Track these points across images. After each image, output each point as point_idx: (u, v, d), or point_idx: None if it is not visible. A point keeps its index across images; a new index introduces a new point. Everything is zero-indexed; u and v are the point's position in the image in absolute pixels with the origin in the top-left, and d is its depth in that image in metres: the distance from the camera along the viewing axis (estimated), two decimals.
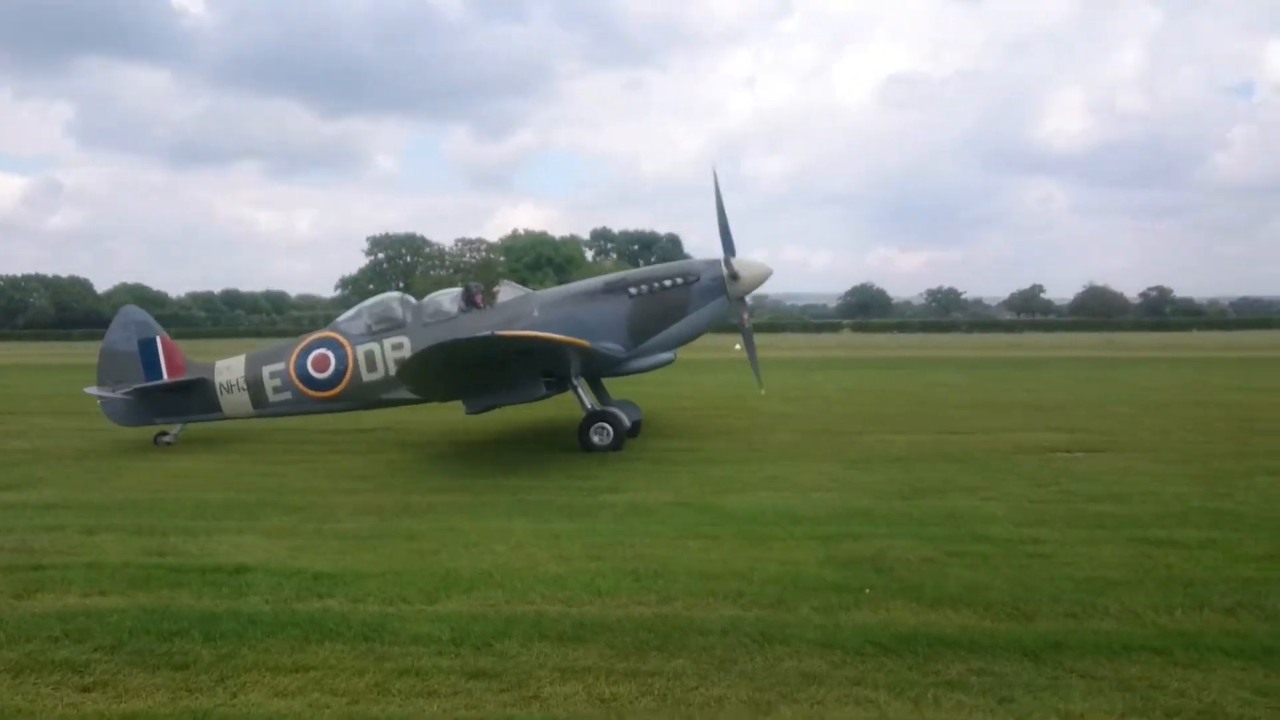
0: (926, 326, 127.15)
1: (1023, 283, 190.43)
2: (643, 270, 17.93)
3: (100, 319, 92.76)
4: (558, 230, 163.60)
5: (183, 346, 19.07)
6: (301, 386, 17.50)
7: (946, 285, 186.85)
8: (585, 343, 15.28)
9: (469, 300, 17.49)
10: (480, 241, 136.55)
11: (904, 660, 6.48)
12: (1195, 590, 7.82)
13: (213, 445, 17.87)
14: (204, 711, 5.84)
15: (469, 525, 10.55)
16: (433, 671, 6.38)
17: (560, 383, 16.45)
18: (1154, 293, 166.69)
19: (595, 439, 16.11)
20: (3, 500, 12.53)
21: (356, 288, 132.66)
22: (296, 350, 17.74)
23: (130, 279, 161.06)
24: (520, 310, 17.23)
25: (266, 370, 17.70)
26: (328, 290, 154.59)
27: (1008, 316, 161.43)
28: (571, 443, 16.81)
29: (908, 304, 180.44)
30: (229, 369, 17.98)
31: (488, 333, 14.68)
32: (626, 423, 16.62)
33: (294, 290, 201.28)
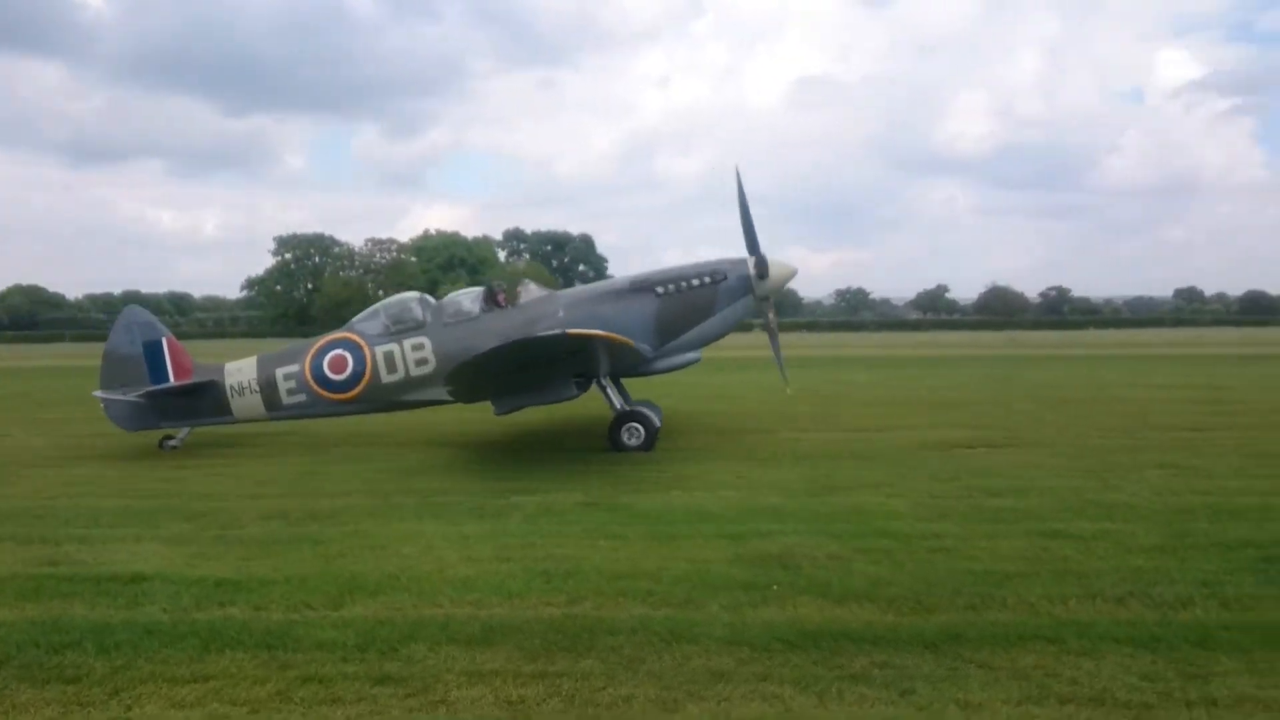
0: (836, 326, 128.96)
1: (929, 282, 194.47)
2: (669, 269, 17.60)
3: None
4: (470, 230, 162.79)
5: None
6: (317, 388, 17.08)
7: (855, 285, 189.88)
8: (630, 342, 15.14)
9: (491, 300, 17.29)
10: (391, 242, 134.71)
11: (809, 655, 6.58)
12: (1088, 581, 8.07)
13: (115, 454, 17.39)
14: None
15: (376, 529, 10.43)
16: (337, 678, 6.30)
17: (586, 382, 16.34)
18: (1053, 292, 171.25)
19: (627, 439, 15.99)
20: None
21: (263, 289, 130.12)
22: (311, 351, 17.33)
23: (25, 280, 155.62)
24: (545, 310, 17.01)
25: (280, 372, 17.22)
26: (233, 291, 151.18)
27: (914, 316, 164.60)
28: (482, 444, 16.77)
29: (818, 303, 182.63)
30: (240, 371, 17.49)
31: (559, 331, 14.49)
32: (657, 422, 16.59)
33: (198, 292, 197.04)
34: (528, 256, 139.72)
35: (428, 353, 16.81)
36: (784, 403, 23.16)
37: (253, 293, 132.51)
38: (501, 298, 17.36)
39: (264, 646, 6.85)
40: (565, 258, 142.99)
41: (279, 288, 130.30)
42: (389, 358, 16.92)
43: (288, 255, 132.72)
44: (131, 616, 7.55)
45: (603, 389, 16.56)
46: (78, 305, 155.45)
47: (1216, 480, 12.70)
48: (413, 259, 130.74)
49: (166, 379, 17.31)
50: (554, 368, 15.22)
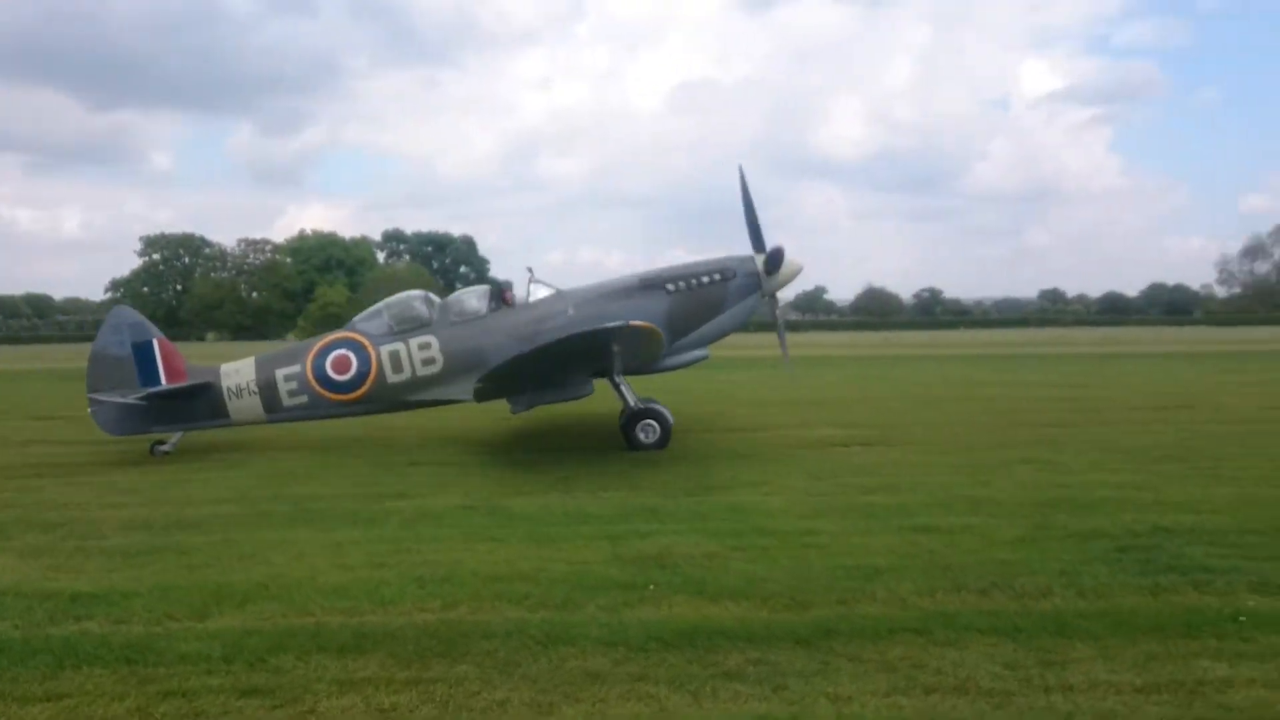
0: None
1: (807, 284, 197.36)
2: (678, 267, 17.43)
3: None
4: (348, 231, 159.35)
5: None
6: (320, 389, 16.63)
7: None
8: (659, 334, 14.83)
9: (500, 298, 17.08)
10: (265, 242, 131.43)
11: (685, 654, 6.62)
12: (954, 573, 8.30)
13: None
14: None
15: (246, 537, 10.14)
16: (201, 691, 6.10)
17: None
18: (926, 293, 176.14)
19: (642, 437, 15.93)
20: None
21: (129, 291, 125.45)
22: (313, 351, 16.88)
23: None
24: (554, 308, 16.84)
25: (280, 373, 16.71)
26: (97, 293, 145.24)
27: (793, 316, 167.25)
28: (359, 449, 16.46)
29: None
30: (237, 372, 16.90)
31: (621, 323, 14.21)
32: (671, 419, 16.41)
33: (59, 293, 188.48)
34: (408, 258, 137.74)
35: (435, 352, 16.62)
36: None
37: (118, 295, 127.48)
38: (509, 296, 17.18)
39: (123, 661, 6.60)
40: (447, 259, 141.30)
41: (146, 289, 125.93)
42: (395, 357, 16.65)
43: (155, 256, 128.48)
44: None
45: (616, 386, 16.49)
46: None
47: (1076, 474, 13.20)
48: (288, 260, 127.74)
49: (158, 381, 16.62)
50: (579, 364, 15.27)
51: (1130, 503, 11.12)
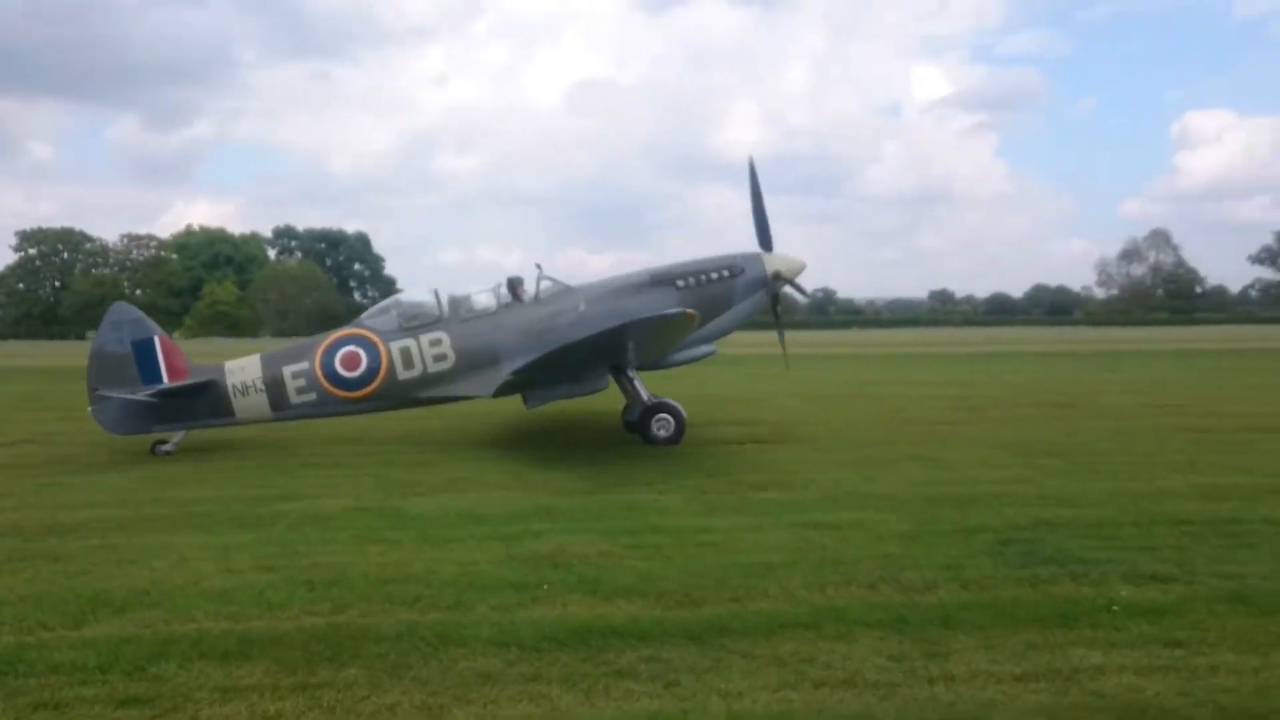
0: None
1: None
2: (687, 263, 17.45)
3: None
4: (237, 227, 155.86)
5: None
6: (329, 386, 16.34)
7: None
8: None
9: (513, 293, 17.03)
10: (150, 238, 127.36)
11: (578, 653, 6.61)
12: (844, 568, 8.45)
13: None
14: None
15: (125, 542, 9.81)
16: (75, 702, 5.88)
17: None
18: (820, 293, 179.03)
19: (657, 431, 16.02)
20: None
21: (3, 287, 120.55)
22: (321, 348, 16.57)
23: None
24: (565, 304, 16.86)
25: (288, 370, 16.38)
26: None
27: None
28: (249, 450, 16.05)
29: None
30: (243, 370, 16.49)
31: (678, 310, 14.41)
32: (684, 413, 16.39)
33: None
34: (300, 255, 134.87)
35: (446, 348, 16.54)
36: (563, 403, 23.15)
37: None
38: (521, 292, 17.09)
39: None
40: (340, 256, 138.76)
41: (21, 286, 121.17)
42: (405, 354, 16.51)
43: (32, 251, 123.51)
44: None
45: (630, 381, 16.60)
46: None
47: (962, 470, 13.56)
48: (174, 256, 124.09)
49: (159, 379, 16.15)
50: (599, 359, 15.42)
51: (1012, 497, 11.45)
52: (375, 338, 16.60)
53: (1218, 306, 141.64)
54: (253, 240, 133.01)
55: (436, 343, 16.59)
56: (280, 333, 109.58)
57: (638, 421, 16.37)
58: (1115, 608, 7.33)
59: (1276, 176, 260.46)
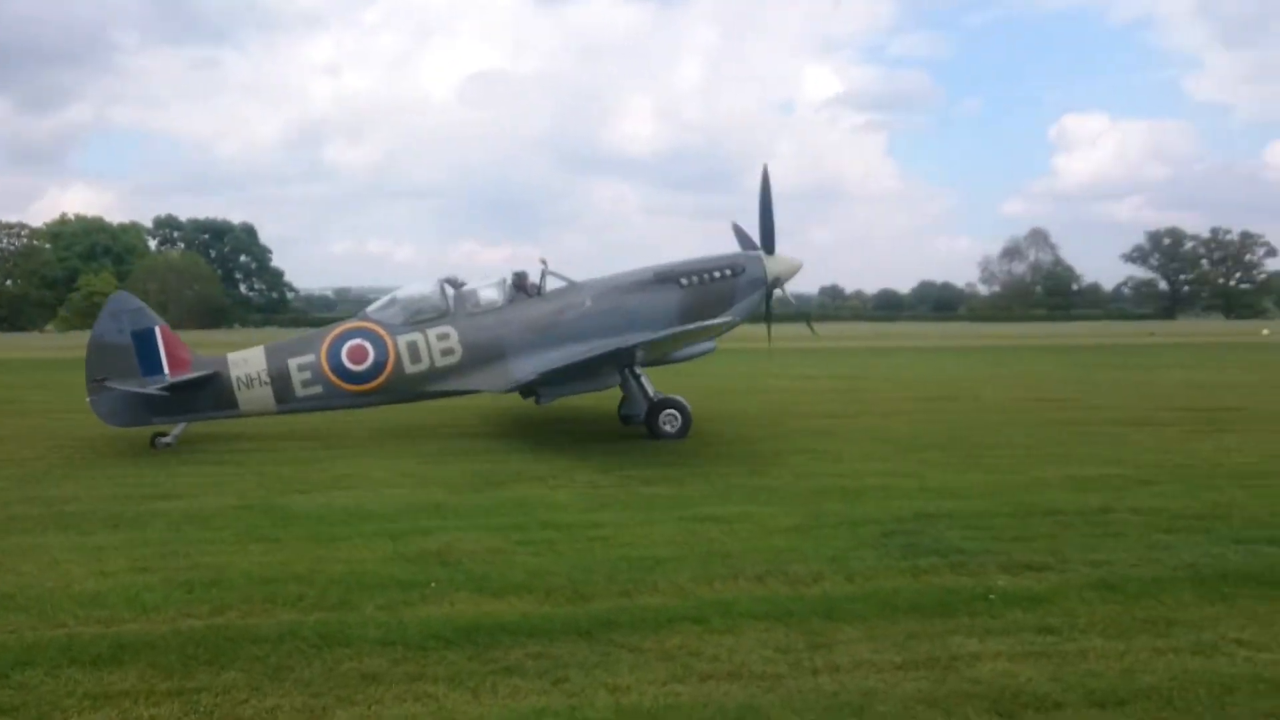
0: None
1: None
2: (691, 261, 17.65)
3: None
4: (116, 216, 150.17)
5: None
6: (335, 379, 16.27)
7: None
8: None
9: (521, 288, 17.16)
10: (22, 226, 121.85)
11: (465, 651, 6.55)
12: (732, 561, 8.55)
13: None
14: None
15: None
16: None
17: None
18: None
19: (666, 427, 16.21)
20: None
21: None
22: (327, 341, 16.52)
23: None
24: (571, 300, 17.05)
25: (293, 363, 16.27)
26: None
27: None
28: (124, 445, 15.53)
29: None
30: (246, 362, 16.31)
31: (729, 319, 15.70)
32: (690, 409, 16.61)
33: None
34: (182, 245, 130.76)
35: (454, 342, 16.59)
36: (457, 400, 22.93)
37: None
38: (530, 285, 17.22)
39: None
40: (225, 248, 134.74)
41: None
42: (413, 347, 16.50)
43: None
44: None
45: (636, 378, 16.66)
46: None
47: (848, 464, 13.83)
48: (47, 246, 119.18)
49: (160, 370, 15.86)
50: (613, 358, 15.61)
51: (896, 490, 11.73)
52: (382, 331, 16.59)
53: (1093, 303, 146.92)
54: (132, 230, 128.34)
55: (444, 337, 16.63)
56: None
57: (645, 418, 16.50)
58: (992, 596, 7.55)
59: (1147, 178, 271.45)
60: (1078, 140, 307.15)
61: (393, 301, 17.25)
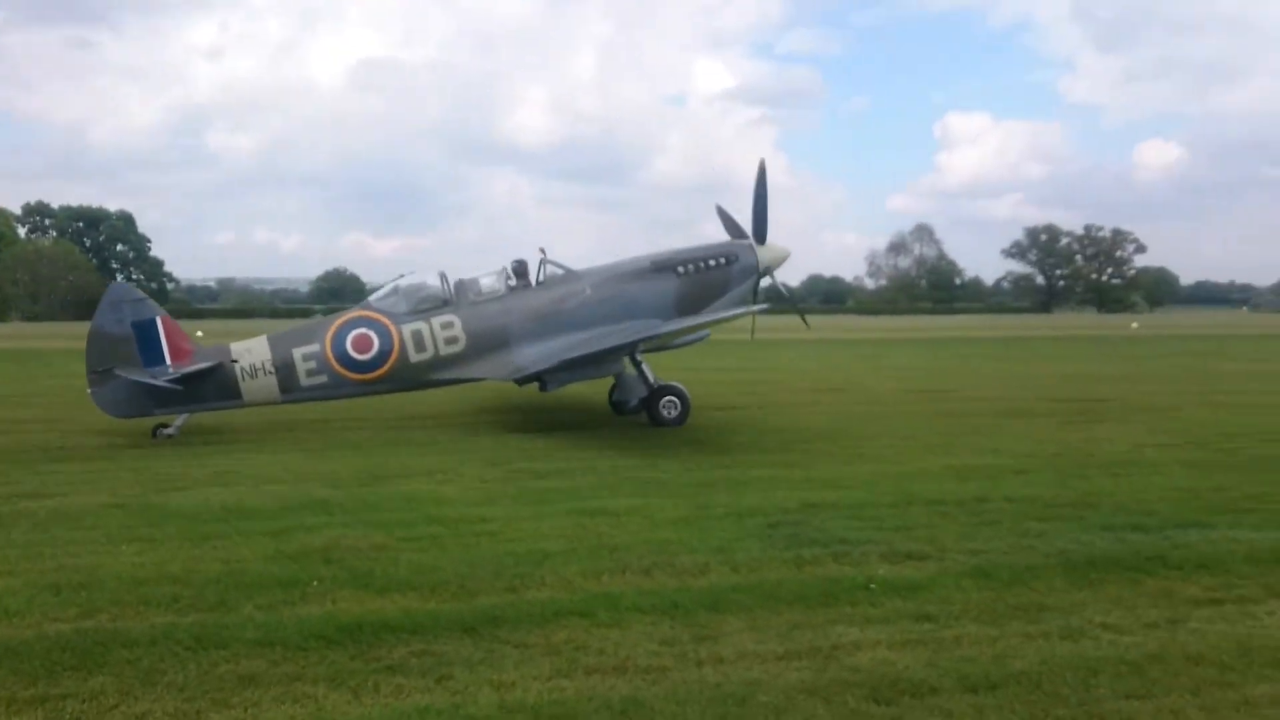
0: None
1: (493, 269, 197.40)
2: (686, 250, 18.07)
3: None
4: None
5: None
6: (340, 369, 16.26)
7: None
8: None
9: (521, 276, 17.39)
10: None
11: (347, 651, 6.43)
12: (620, 554, 8.56)
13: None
14: None
15: None
16: None
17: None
18: None
19: (666, 413, 16.56)
20: None
21: None
22: (331, 330, 16.52)
23: None
24: (572, 288, 17.34)
25: (298, 352, 16.21)
26: None
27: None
28: None
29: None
30: (250, 352, 16.22)
31: (760, 306, 16.70)
32: (689, 395, 17.02)
33: None
34: (54, 234, 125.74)
35: (458, 331, 16.74)
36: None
37: None
38: (529, 271, 17.52)
39: None
40: (100, 236, 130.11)
41: None
42: (417, 336, 16.61)
43: None
44: None
45: (637, 365, 16.96)
46: None
47: (736, 455, 13.97)
48: None
49: (162, 360, 15.71)
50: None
51: (783, 481, 11.89)
52: (386, 320, 16.64)
53: (974, 297, 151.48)
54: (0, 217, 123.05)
55: (448, 325, 16.76)
56: (32, 316, 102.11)
57: (646, 404, 16.87)
58: (873, 585, 7.70)
59: (1025, 177, 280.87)
60: (960, 139, 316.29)
61: (395, 291, 17.32)
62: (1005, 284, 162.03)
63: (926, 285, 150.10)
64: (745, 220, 18.27)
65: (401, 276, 17.82)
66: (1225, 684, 5.89)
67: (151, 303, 16.42)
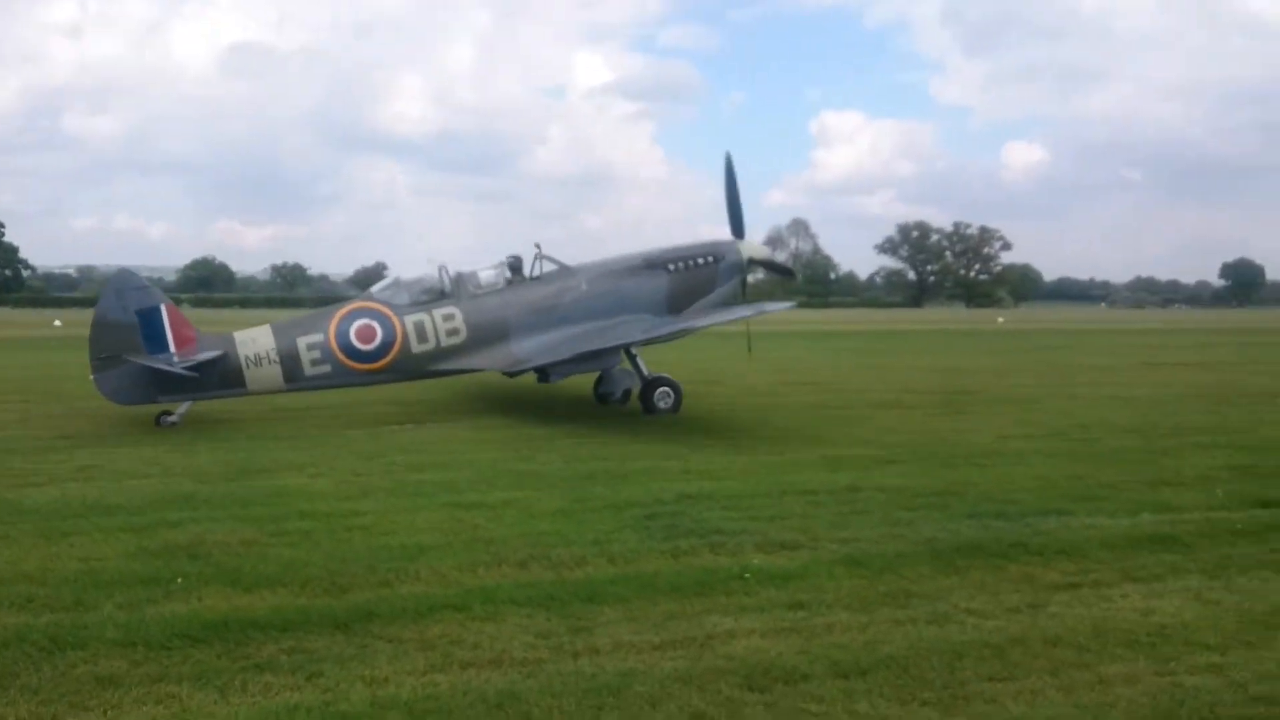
0: (270, 302, 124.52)
1: (367, 260, 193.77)
2: (675, 248, 18.67)
3: None
4: None
5: None
6: (344, 358, 16.37)
7: (293, 261, 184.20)
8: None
9: (516, 271, 17.70)
10: None
11: (213, 649, 6.25)
12: (496, 547, 8.51)
13: None
14: None
15: None
16: None
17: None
18: None
19: (660, 403, 17.10)
20: None
21: None
22: (335, 320, 16.62)
23: None
24: (568, 283, 17.79)
25: (303, 341, 16.26)
26: None
27: (353, 294, 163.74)
28: None
29: (252, 279, 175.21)
30: (254, 340, 16.22)
31: (793, 302, 17.15)
32: (681, 386, 17.57)
33: None
34: None
35: (459, 323, 17.03)
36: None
37: None
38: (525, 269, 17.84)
39: None
40: None
41: None
42: (419, 327, 16.83)
43: None
44: None
45: (632, 358, 17.52)
46: None
47: (615, 446, 14.02)
48: None
49: (166, 348, 15.62)
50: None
51: (660, 472, 11.98)
52: (389, 311, 16.85)
53: (848, 291, 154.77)
54: None
55: (449, 317, 17.04)
56: None
57: (640, 395, 17.32)
58: (747, 575, 7.82)
59: (897, 174, 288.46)
60: (836, 136, 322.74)
61: (396, 283, 17.75)
62: (878, 279, 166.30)
63: (802, 279, 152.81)
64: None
65: (401, 273, 18.46)
66: (1081, 664, 6.16)
67: (156, 290, 16.42)
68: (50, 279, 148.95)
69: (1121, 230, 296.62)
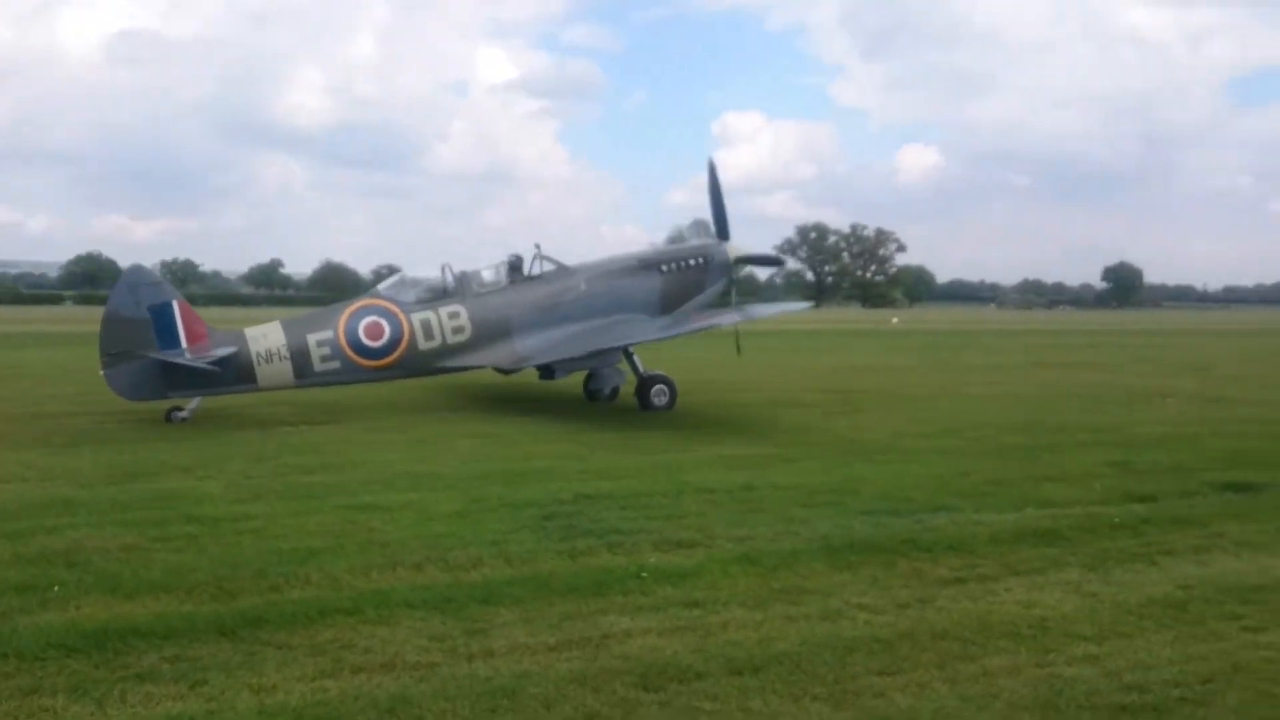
0: None
1: (262, 257, 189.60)
2: (667, 250, 19.73)
3: None
4: None
5: None
6: (353, 355, 16.66)
7: (184, 256, 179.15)
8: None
9: (516, 270, 18.15)
10: None
11: (91, 659, 6.03)
12: (390, 550, 8.38)
13: None
14: None
15: None
16: None
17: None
18: (385, 269, 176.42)
19: (656, 400, 17.60)
20: None
21: None
22: (344, 317, 16.91)
23: None
24: (568, 282, 18.32)
25: (313, 338, 16.52)
26: None
27: (247, 290, 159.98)
28: None
29: None
30: (265, 337, 16.42)
31: (809, 303, 18.75)
32: (675, 384, 18.01)
33: None
34: None
35: (464, 321, 17.48)
36: (84, 383, 21.14)
37: None
38: (524, 268, 18.28)
39: None
40: None
41: None
42: (426, 325, 17.23)
43: None
44: None
45: (629, 357, 17.95)
46: None
47: (514, 447, 13.94)
48: None
49: (178, 344, 15.72)
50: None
51: (559, 472, 11.93)
52: (396, 308, 17.18)
53: (749, 291, 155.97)
54: None
55: (455, 315, 17.48)
56: None
57: (636, 392, 17.79)
58: (644, 574, 7.82)
59: (797, 176, 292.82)
60: (737, 136, 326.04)
61: (401, 282, 18.04)
62: (777, 279, 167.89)
63: None
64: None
65: (404, 272, 18.68)
66: (966, 657, 6.30)
67: (168, 286, 16.60)
68: None
69: (1010, 233, 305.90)
